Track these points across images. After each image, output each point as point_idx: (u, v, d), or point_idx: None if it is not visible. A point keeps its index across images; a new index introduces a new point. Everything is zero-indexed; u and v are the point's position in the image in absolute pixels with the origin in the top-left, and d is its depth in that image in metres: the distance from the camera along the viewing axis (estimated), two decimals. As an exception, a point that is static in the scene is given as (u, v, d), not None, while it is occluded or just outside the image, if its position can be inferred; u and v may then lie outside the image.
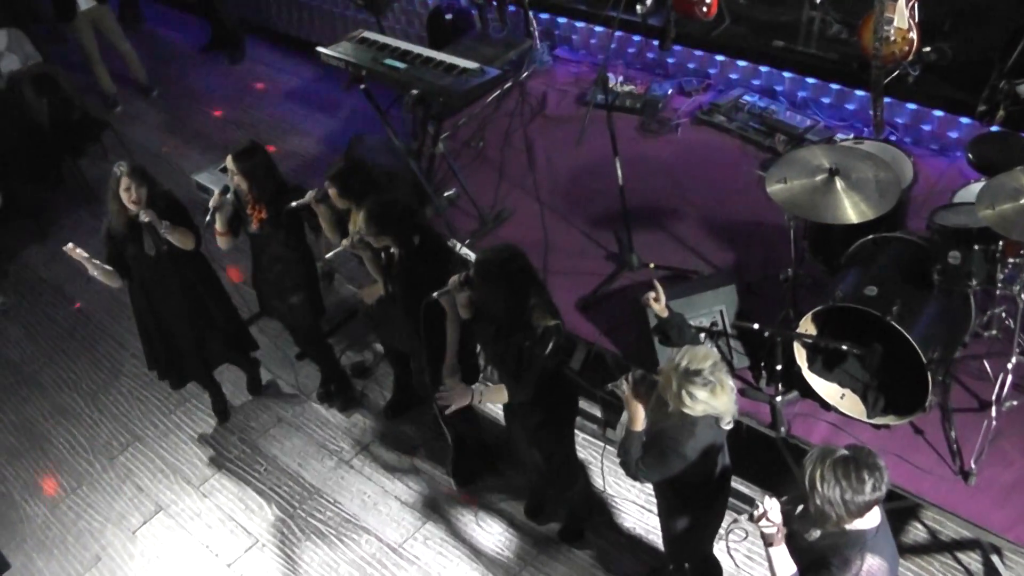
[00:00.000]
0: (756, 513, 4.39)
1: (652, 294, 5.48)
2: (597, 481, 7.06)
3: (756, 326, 5.93)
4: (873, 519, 4.24)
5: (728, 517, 5.70)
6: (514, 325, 5.55)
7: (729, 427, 5.00)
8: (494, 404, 5.70)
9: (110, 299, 9.66)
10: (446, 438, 6.89)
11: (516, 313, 5.53)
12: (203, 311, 7.41)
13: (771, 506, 4.38)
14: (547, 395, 5.77)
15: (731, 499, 6.51)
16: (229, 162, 6.78)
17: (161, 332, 7.52)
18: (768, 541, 4.43)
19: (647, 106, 8.84)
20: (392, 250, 6.27)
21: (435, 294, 5.77)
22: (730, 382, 4.81)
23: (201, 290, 7.33)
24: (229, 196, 6.92)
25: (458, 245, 7.65)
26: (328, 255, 6.65)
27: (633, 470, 5.09)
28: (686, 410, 4.75)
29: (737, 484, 6.62)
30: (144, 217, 6.78)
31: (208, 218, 6.94)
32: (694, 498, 5.34)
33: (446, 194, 8.27)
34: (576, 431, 6.99)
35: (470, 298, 5.75)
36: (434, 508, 7.22)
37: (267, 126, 11.51)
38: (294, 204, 6.81)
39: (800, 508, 4.48)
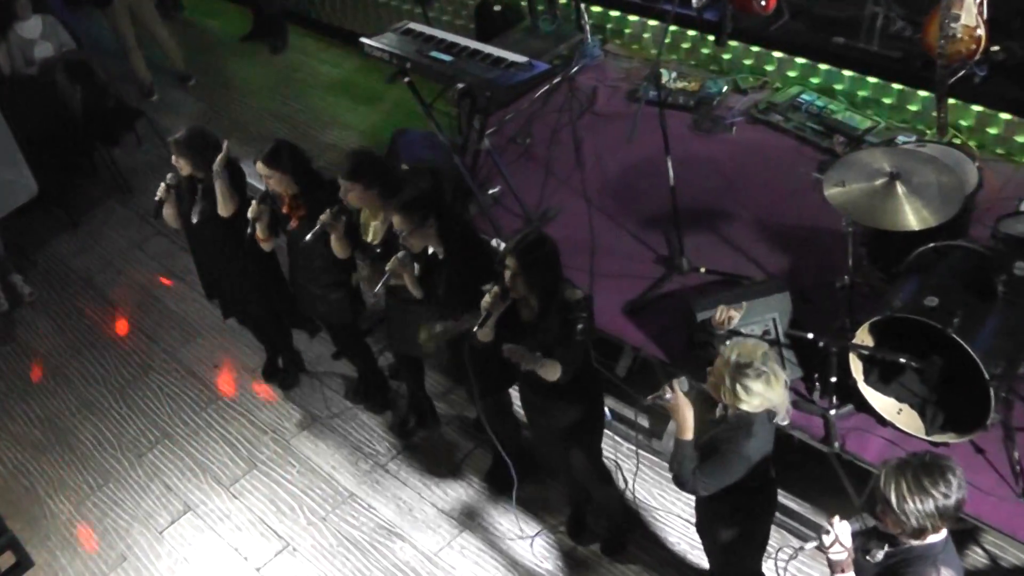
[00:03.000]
0: (827, 539, 4.35)
1: (733, 315, 5.50)
2: (640, 493, 7.06)
3: (810, 336, 5.91)
4: (942, 531, 4.23)
5: (775, 534, 5.68)
6: (551, 305, 5.61)
7: (785, 423, 4.99)
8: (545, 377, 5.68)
9: (140, 293, 9.79)
10: (485, 444, 6.90)
11: (553, 292, 5.60)
12: (244, 281, 7.60)
13: (842, 530, 4.34)
14: (584, 389, 5.84)
15: (783, 517, 6.54)
16: (259, 167, 6.83)
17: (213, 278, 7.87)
18: (838, 568, 4.38)
19: (701, 103, 8.83)
20: (432, 250, 6.28)
21: (476, 329, 5.74)
22: (783, 374, 4.84)
23: (244, 265, 7.47)
24: (265, 203, 7.02)
25: (502, 245, 7.65)
26: (377, 288, 6.56)
27: (690, 482, 5.04)
28: (743, 406, 4.77)
29: (787, 500, 6.61)
30: (164, 188, 7.28)
31: (249, 230, 7.06)
32: (745, 507, 5.31)
33: (491, 191, 8.28)
34: (620, 441, 7.02)
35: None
36: (472, 516, 7.25)
37: (307, 118, 11.60)
38: (309, 237, 6.85)
39: (858, 526, 4.46)
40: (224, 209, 7.13)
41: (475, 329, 5.72)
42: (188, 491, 7.86)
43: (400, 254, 6.25)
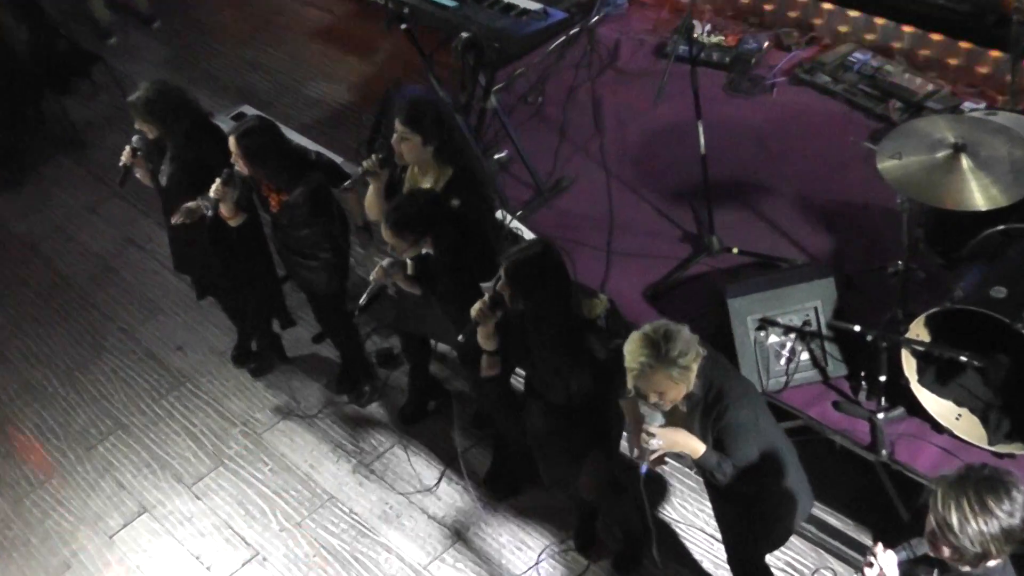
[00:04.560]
0: (870, 573, 4.33)
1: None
2: (658, 502, 7.10)
3: (857, 328, 5.93)
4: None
5: (811, 553, 5.65)
6: (564, 324, 5.60)
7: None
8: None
9: (95, 263, 9.79)
10: (484, 442, 6.91)
11: (563, 310, 5.58)
12: (231, 250, 7.56)
13: (887, 561, 4.32)
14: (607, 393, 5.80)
15: (821, 534, 6.56)
16: (232, 144, 6.79)
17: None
18: None
19: (738, 61, 8.86)
20: (425, 251, 6.29)
21: (460, 337, 5.82)
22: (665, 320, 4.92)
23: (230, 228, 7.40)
24: (233, 186, 6.97)
25: (508, 218, 7.67)
26: (362, 300, 6.52)
27: (736, 475, 5.08)
28: (694, 368, 4.82)
29: (826, 516, 6.64)
30: (130, 152, 7.22)
31: (210, 212, 7.02)
32: (761, 494, 5.35)
33: (496, 156, 8.31)
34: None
35: (496, 324, 5.78)
36: (467, 525, 7.26)
37: (289, 69, 11.61)
38: (347, 185, 6.85)
39: (905, 555, 4.45)
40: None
41: (460, 339, 5.78)
42: (144, 490, 7.86)
43: (386, 262, 6.32)
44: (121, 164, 7.31)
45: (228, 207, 7.05)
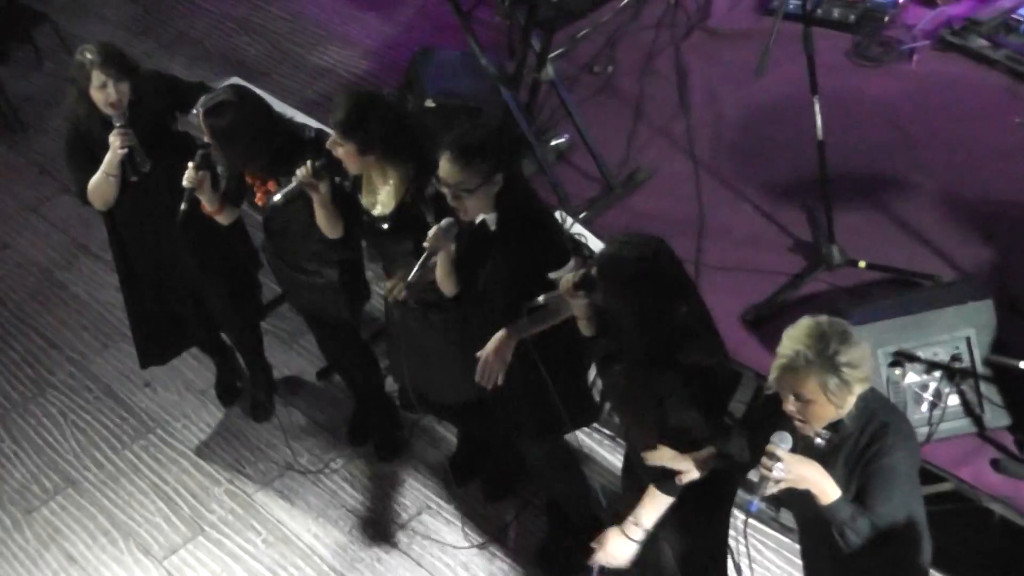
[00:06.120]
0: None
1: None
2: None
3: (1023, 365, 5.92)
4: None
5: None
6: (651, 357, 5.48)
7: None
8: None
9: (38, 275, 9.83)
10: (537, 507, 6.92)
11: (654, 340, 5.45)
12: (208, 252, 7.56)
13: None
14: None
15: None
16: (200, 121, 6.74)
17: (151, 281, 7.76)
18: None
19: (865, 19, 8.88)
20: (483, 219, 6.12)
21: (541, 298, 5.66)
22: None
23: (207, 224, 7.30)
24: (209, 169, 6.93)
25: (568, 220, 7.67)
26: (411, 276, 6.26)
27: (872, 535, 4.94)
28: (857, 389, 4.74)
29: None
30: (120, 143, 6.99)
31: (184, 205, 6.89)
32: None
33: (554, 142, 8.35)
34: (734, 513, 6.98)
35: (591, 306, 5.66)
36: (515, 614, 7.28)
37: (290, 31, 11.67)
38: (276, 201, 6.76)
39: None
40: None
41: (541, 298, 5.64)
42: (101, 564, 7.85)
43: (445, 223, 6.08)
44: (124, 151, 7.08)
45: (208, 198, 6.98)
